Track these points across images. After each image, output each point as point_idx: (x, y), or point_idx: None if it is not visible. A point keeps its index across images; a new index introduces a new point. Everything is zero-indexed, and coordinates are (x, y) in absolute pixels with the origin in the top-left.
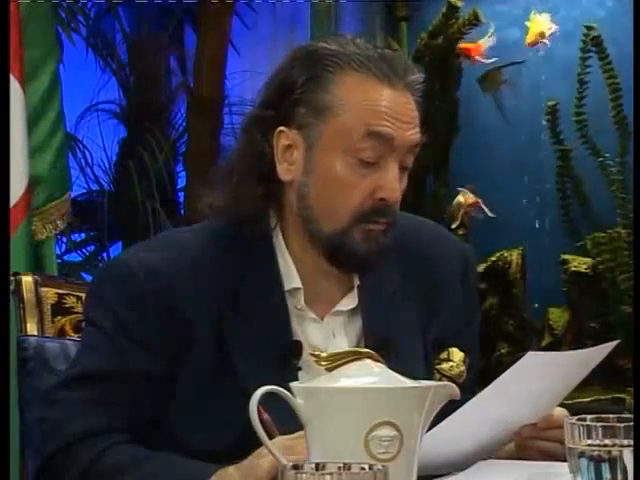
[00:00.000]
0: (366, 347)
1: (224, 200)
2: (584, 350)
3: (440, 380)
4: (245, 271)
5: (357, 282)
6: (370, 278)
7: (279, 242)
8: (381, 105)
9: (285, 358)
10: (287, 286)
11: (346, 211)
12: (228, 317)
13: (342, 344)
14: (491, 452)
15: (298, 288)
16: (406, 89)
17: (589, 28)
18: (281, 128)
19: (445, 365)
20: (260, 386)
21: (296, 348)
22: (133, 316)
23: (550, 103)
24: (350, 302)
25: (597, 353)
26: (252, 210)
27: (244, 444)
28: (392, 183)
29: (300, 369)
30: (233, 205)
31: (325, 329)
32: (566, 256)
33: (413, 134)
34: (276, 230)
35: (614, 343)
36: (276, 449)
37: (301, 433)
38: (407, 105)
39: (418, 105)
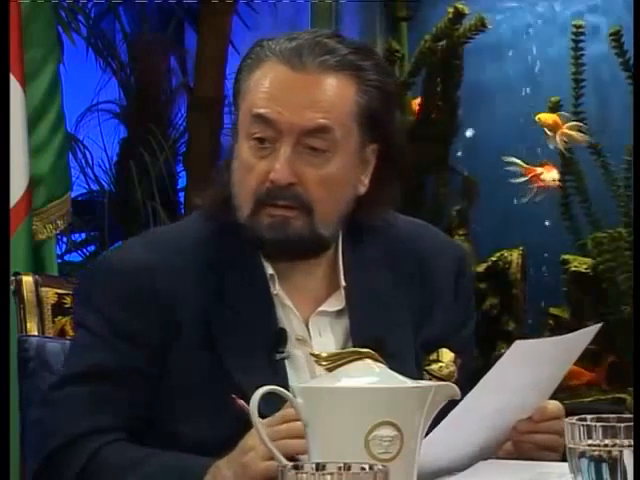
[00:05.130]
0: (354, 347)
1: (210, 196)
2: (569, 335)
3: (430, 381)
4: (230, 264)
5: (343, 283)
6: (358, 279)
7: None
8: (269, 87)
9: (271, 346)
10: (267, 273)
11: (249, 194)
12: (214, 308)
13: (329, 342)
14: (491, 452)
15: (272, 274)
16: (323, 71)
17: (577, 26)
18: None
19: (434, 366)
20: (249, 377)
21: (281, 335)
22: (118, 313)
23: (553, 99)
24: (336, 303)
25: (582, 337)
26: (224, 202)
27: (234, 435)
28: (279, 164)
29: (287, 357)
30: (215, 199)
31: (311, 328)
32: (566, 256)
33: (309, 118)
34: None
35: (598, 326)
36: (275, 448)
37: (276, 416)
38: (310, 88)
39: (360, 90)
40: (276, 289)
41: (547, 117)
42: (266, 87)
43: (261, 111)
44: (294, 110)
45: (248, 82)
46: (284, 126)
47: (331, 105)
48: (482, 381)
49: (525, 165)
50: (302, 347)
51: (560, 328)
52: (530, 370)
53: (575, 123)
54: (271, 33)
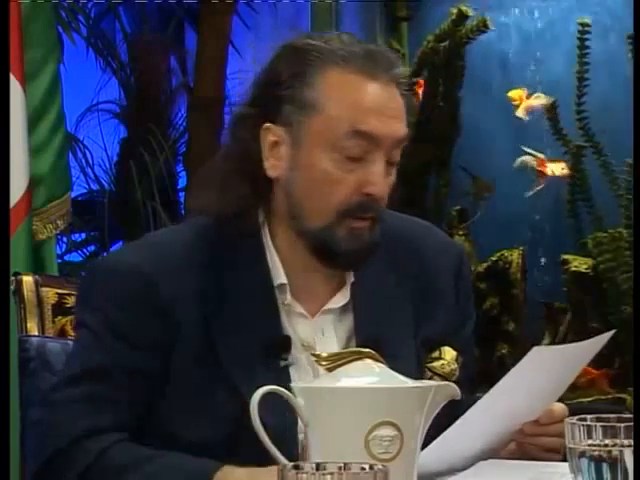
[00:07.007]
0: (357, 346)
1: (211, 199)
2: (586, 342)
3: (431, 378)
4: (232, 268)
5: (352, 279)
6: (363, 277)
7: (267, 239)
8: (365, 101)
9: (274, 353)
10: (275, 282)
11: (332, 207)
12: (215, 313)
13: (332, 342)
14: (494, 453)
15: (284, 284)
16: (391, 83)
17: (583, 25)
18: (267, 125)
19: (436, 363)
20: (250, 381)
21: (285, 343)
22: (119, 315)
23: (550, 100)
24: (341, 299)
25: (596, 343)
26: (238, 208)
27: (234, 439)
28: (378, 178)
29: (291, 364)
30: (220, 203)
31: (314, 327)
32: (567, 256)
33: (399, 129)
34: (264, 227)
35: (611, 333)
36: (275, 449)
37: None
38: (392, 99)
39: (405, 99)
40: (288, 299)
41: (514, 93)
42: (359, 100)
43: (364, 128)
44: (388, 122)
45: (316, 91)
46: (382, 139)
47: (403, 115)
48: (497, 385)
49: (539, 155)
50: (306, 351)
51: (559, 323)
52: (544, 375)
53: (537, 94)
54: (271, 33)
